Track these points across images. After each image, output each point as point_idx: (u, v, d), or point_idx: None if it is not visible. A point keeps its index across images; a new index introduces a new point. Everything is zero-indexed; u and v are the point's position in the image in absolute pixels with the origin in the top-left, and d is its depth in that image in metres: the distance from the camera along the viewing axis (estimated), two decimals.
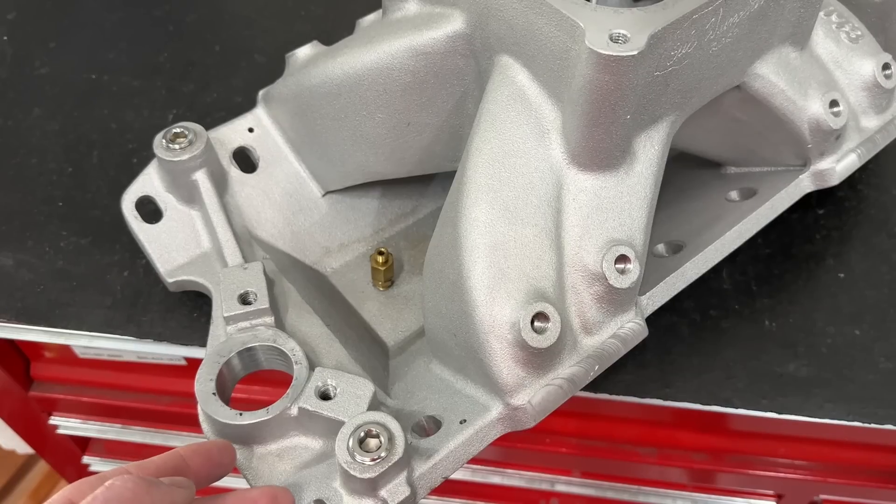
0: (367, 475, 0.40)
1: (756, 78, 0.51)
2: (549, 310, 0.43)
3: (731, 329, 0.58)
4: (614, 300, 0.46)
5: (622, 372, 0.55)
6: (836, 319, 0.58)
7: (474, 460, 0.77)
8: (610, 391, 0.55)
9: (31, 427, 0.84)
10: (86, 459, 0.90)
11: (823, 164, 0.56)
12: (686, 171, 0.62)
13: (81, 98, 0.72)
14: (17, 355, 0.76)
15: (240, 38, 0.78)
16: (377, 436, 0.41)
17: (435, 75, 0.51)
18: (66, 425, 0.83)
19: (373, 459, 0.40)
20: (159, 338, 0.58)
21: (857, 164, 0.57)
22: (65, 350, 0.73)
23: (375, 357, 0.53)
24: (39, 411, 0.82)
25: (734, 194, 0.58)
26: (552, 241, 0.45)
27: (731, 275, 0.60)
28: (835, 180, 0.56)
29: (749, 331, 0.58)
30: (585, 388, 0.54)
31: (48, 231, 0.63)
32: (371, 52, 0.51)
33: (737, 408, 0.54)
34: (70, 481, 0.95)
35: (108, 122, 0.70)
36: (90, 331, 0.58)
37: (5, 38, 0.76)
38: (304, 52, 0.57)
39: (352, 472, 0.40)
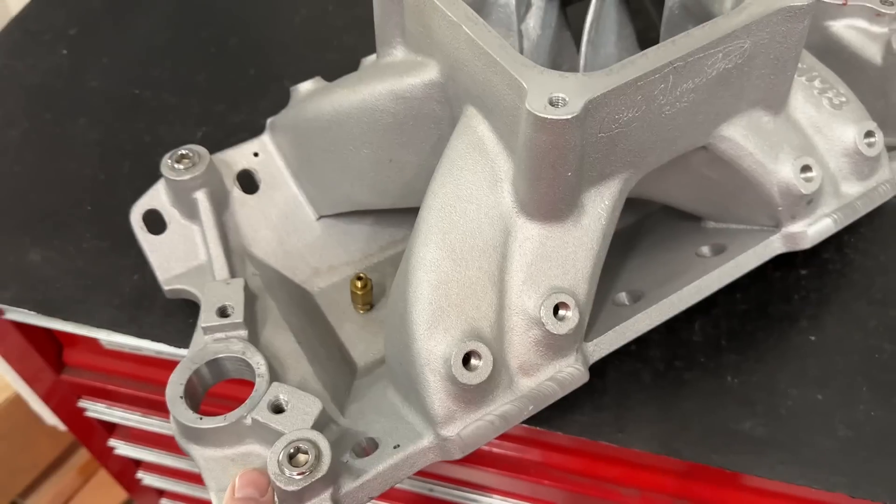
0: (290, 487, 0.43)
1: (722, 140, 0.52)
2: (482, 349, 0.46)
3: (693, 381, 0.59)
4: (552, 345, 0.48)
5: (577, 413, 0.57)
6: (801, 382, 0.58)
7: (461, 482, 0.80)
8: (564, 430, 0.57)
9: (64, 407, 0.91)
10: (111, 442, 0.97)
11: (795, 227, 0.56)
12: (669, 222, 0.64)
13: (123, 111, 0.78)
14: (51, 340, 0.83)
15: (274, 64, 0.83)
16: (307, 452, 0.44)
17: (414, 118, 0.54)
18: (94, 409, 0.90)
19: (300, 473, 0.43)
20: (157, 339, 0.63)
21: (833, 229, 0.57)
22: (91, 341, 0.79)
23: (341, 376, 0.57)
24: (70, 393, 0.89)
25: (705, 249, 0.59)
26: (494, 283, 0.47)
27: (703, 327, 0.61)
28: (807, 244, 0.57)
29: (710, 385, 0.58)
30: (544, 425, 0.57)
31: (74, 232, 0.69)
32: (358, 92, 0.55)
33: (686, 459, 0.55)
34: (99, 460, 1.03)
35: (142, 136, 0.76)
36: (98, 326, 0.63)
37: (65, 51, 0.84)
38: (305, 86, 0.62)
39: (278, 483, 0.43)
